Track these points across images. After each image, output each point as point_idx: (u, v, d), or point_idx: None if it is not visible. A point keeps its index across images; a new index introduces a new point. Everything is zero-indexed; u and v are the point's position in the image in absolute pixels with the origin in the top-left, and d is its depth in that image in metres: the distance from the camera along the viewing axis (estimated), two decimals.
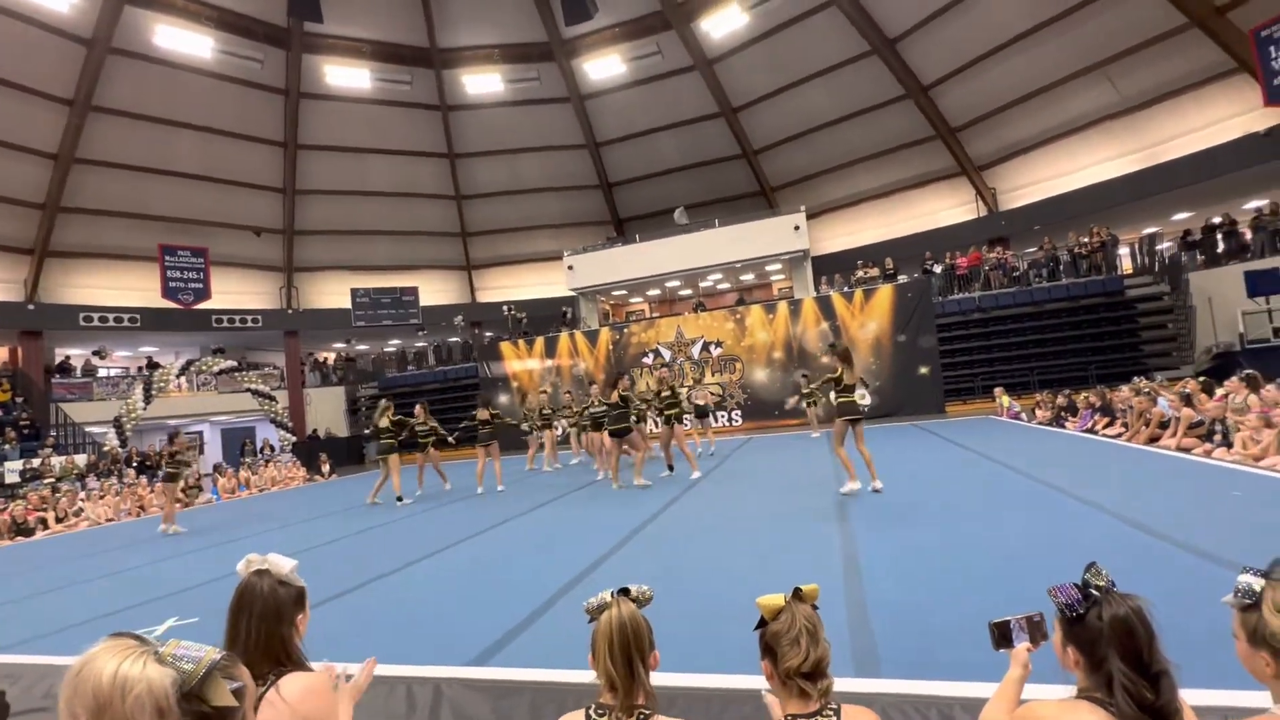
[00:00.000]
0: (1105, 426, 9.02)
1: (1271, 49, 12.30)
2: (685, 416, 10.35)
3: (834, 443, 6.62)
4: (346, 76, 19.31)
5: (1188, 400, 7.67)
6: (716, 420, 15.57)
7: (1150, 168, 14.82)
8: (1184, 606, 2.63)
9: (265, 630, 1.49)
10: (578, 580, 4.28)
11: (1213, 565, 3.29)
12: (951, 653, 2.58)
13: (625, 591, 1.48)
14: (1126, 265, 16.27)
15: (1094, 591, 1.32)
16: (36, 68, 15.44)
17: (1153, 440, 7.78)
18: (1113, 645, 1.26)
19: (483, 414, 9.64)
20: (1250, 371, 7.31)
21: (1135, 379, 9.51)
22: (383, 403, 10.03)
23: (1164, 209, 16.23)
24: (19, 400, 16.46)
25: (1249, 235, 13.91)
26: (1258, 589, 1.23)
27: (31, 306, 16.94)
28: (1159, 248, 15.99)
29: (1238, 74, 13.54)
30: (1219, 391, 7.49)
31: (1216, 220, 14.77)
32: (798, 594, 1.47)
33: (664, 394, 9.19)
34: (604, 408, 8.73)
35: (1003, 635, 1.59)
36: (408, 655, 3.12)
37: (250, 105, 18.91)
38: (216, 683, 0.85)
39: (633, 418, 8.47)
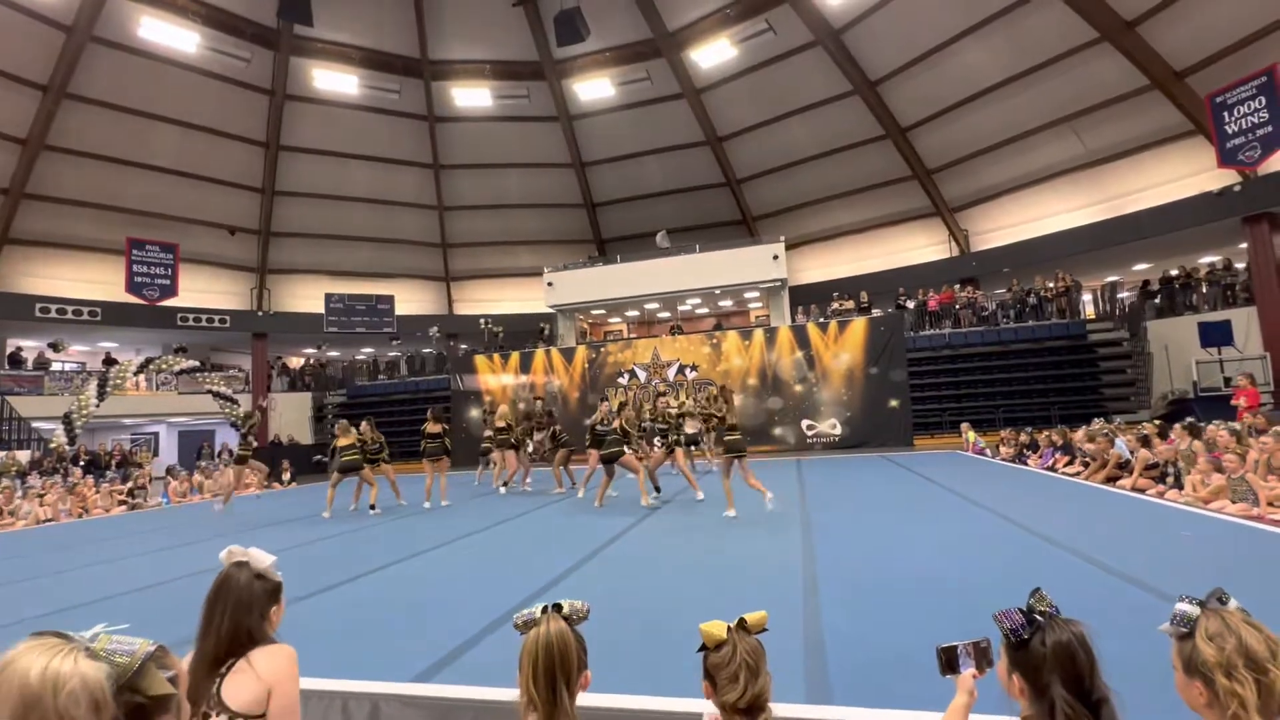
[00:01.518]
0: (1066, 465, 9.21)
1: (1225, 114, 13.00)
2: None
3: (722, 475, 7.45)
4: (334, 81, 19.24)
5: (1146, 442, 7.88)
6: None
7: (1113, 219, 15.45)
8: (1129, 639, 2.65)
9: (237, 620, 1.53)
10: (532, 598, 4.16)
11: (1160, 600, 3.34)
12: (904, 683, 2.55)
13: (558, 607, 1.42)
14: (1089, 311, 16.85)
15: (1038, 617, 1.31)
16: (10, 50, 15.07)
17: (1111, 480, 7.95)
18: (1055, 671, 1.25)
19: (432, 428, 9.53)
20: (1191, 420, 7.60)
21: (1095, 420, 9.76)
22: (342, 422, 9.89)
23: (1125, 259, 16.89)
24: None
25: (1204, 289, 14.55)
26: (1193, 617, 1.22)
27: None
28: (1120, 295, 16.61)
29: (1195, 135, 14.27)
30: (1170, 436, 7.73)
31: (1174, 272, 15.42)
32: (742, 624, 1.42)
33: (658, 418, 9.21)
34: (608, 429, 8.55)
35: (949, 661, 1.56)
36: (347, 670, 2.98)
37: (233, 103, 18.69)
38: (152, 673, 0.85)
39: (625, 445, 8.46)
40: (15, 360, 17.62)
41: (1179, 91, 14.09)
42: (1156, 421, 9.20)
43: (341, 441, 9.34)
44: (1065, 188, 16.80)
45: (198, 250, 19.70)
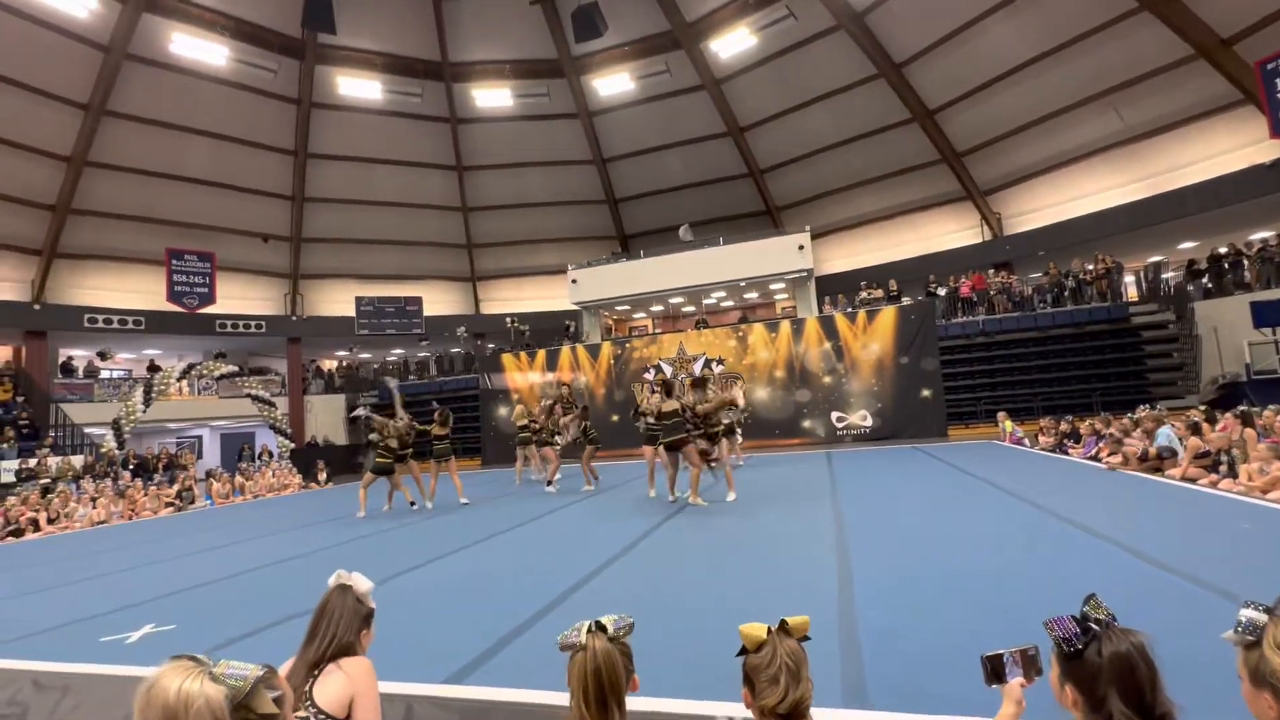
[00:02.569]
0: (1110, 454, 8.87)
1: (1278, 81, 12.32)
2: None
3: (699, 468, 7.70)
4: (358, 88, 19.54)
5: (1195, 429, 7.54)
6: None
7: (1155, 196, 14.80)
8: (1188, 643, 2.52)
9: (339, 636, 1.73)
10: (563, 598, 4.18)
11: (1219, 599, 3.18)
12: (943, 685, 2.47)
13: (601, 627, 1.39)
14: (1132, 293, 16.20)
15: (1093, 625, 1.24)
16: (54, 72, 15.66)
17: (1158, 470, 7.64)
18: (1113, 684, 1.18)
19: (439, 430, 9.69)
20: (1243, 408, 7.24)
21: (1140, 407, 9.38)
22: (443, 410, 10.14)
23: (1169, 238, 16.19)
24: (20, 400, 16.46)
25: (1256, 267, 13.85)
26: (1260, 624, 1.14)
27: (37, 307, 17.02)
28: (1164, 276, 15.93)
29: (1244, 105, 13.57)
30: (1220, 423, 7.38)
31: (1222, 250, 14.72)
32: (783, 627, 1.39)
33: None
34: (658, 419, 8.14)
35: (995, 670, 1.50)
36: (380, 671, 3.02)
37: (262, 113, 19.13)
38: (261, 694, 1.04)
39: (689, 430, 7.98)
40: (67, 369, 18.40)
41: (1226, 60, 13.40)
42: (1205, 407, 8.81)
43: (437, 431, 9.74)
44: (1103, 166, 16.16)
45: (233, 258, 20.27)
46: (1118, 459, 8.39)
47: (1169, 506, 5.92)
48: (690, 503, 7.68)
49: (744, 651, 1.40)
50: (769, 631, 1.37)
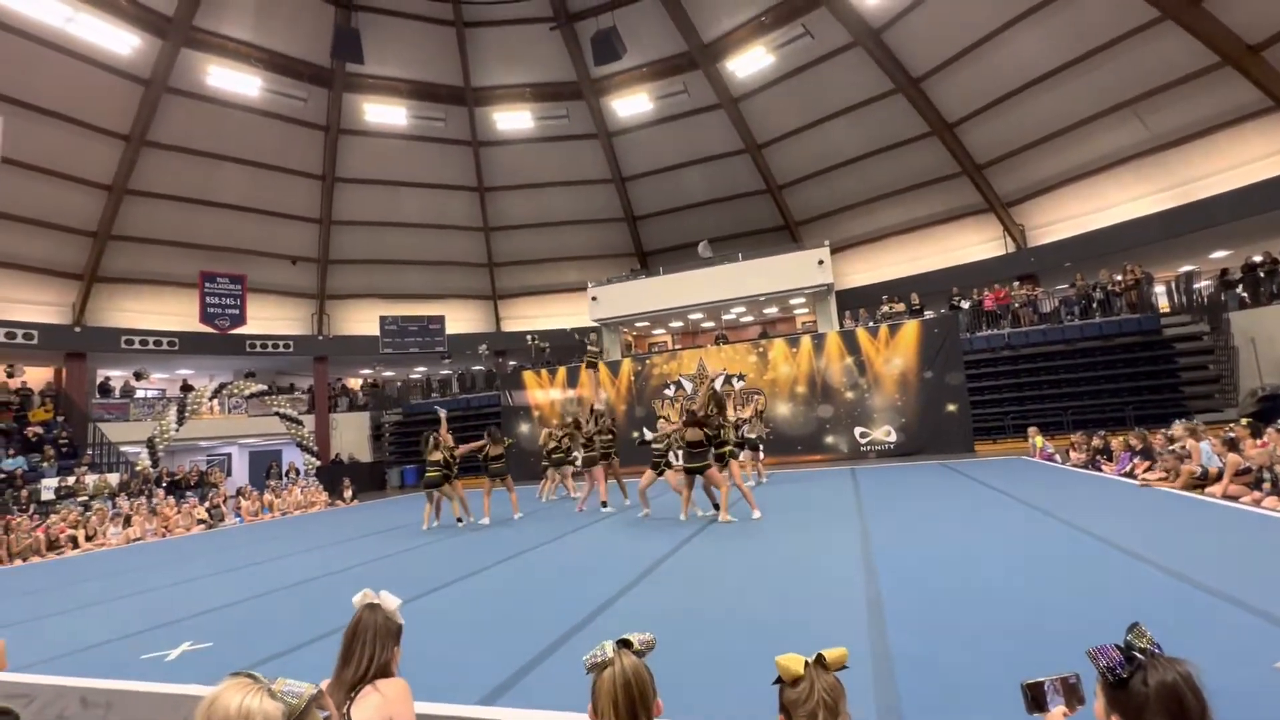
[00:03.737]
0: (1146, 470, 8.63)
1: None
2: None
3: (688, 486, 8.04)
4: (384, 114, 20.11)
5: (1234, 445, 7.32)
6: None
7: (1184, 205, 14.51)
8: (1237, 673, 2.45)
9: (374, 654, 1.77)
10: (591, 618, 4.18)
11: (1269, 625, 3.08)
12: (982, 714, 2.43)
13: (626, 644, 1.40)
14: (1163, 304, 15.84)
15: (1138, 655, 1.23)
16: (97, 105, 16.39)
17: (1195, 487, 7.41)
18: (1160, 715, 1.17)
19: (495, 449, 9.77)
20: None
21: (1176, 421, 9.13)
22: (494, 431, 10.21)
23: (1200, 247, 15.84)
24: (60, 419, 17.02)
25: None
26: None
27: (78, 329, 17.65)
28: (1196, 286, 15.55)
29: (1275, 112, 13.30)
30: (1263, 437, 7.14)
31: (1257, 259, 14.34)
32: (820, 660, 1.36)
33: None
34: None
35: (1036, 698, 1.49)
36: (413, 691, 3.05)
37: (292, 140, 19.76)
38: (314, 713, 1.11)
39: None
40: (104, 389, 18.99)
41: (1254, 66, 13.18)
42: (1245, 421, 8.53)
43: (493, 450, 9.84)
44: (1128, 175, 15.91)
45: (263, 280, 20.83)
46: (1154, 475, 8.17)
47: (1211, 526, 5.74)
48: (720, 520, 7.67)
49: (780, 681, 1.39)
50: (806, 665, 1.35)
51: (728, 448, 8.14)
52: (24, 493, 13.39)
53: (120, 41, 15.55)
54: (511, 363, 22.00)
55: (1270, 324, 13.09)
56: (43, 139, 15.77)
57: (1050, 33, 15.18)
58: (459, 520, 9.70)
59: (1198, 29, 13.38)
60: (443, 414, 10.53)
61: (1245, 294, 14.29)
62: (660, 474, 8.98)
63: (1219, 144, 14.38)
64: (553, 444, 11.91)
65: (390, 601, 1.88)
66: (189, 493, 15.67)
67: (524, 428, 18.30)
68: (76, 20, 14.68)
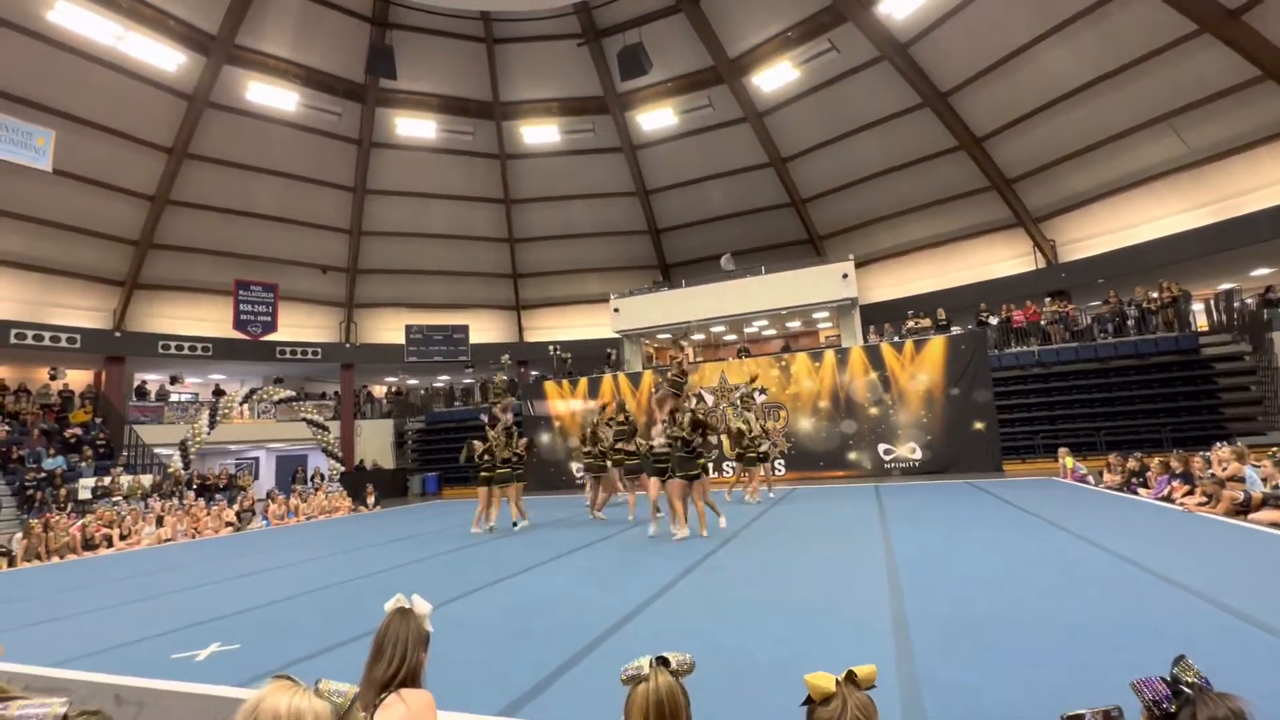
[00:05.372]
0: (1185, 494, 8.34)
1: None
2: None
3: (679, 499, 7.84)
4: (414, 127, 20.58)
5: None
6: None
7: (1224, 221, 14.11)
8: None
9: (405, 658, 1.78)
10: (613, 630, 4.17)
11: None
12: None
13: (664, 661, 1.39)
14: (1201, 322, 15.37)
15: (1185, 688, 1.19)
16: (143, 119, 17.07)
17: (1240, 513, 7.14)
18: None
19: (505, 453, 9.93)
20: None
21: (1217, 444, 8.83)
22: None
23: (1241, 264, 15.36)
24: (98, 421, 17.57)
25: None
26: None
27: (118, 334, 18.26)
28: (1237, 304, 15.07)
29: None
30: None
31: None
32: (851, 678, 1.32)
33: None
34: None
35: None
36: (436, 698, 3.07)
37: (326, 153, 20.32)
38: (357, 712, 1.19)
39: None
40: (140, 392, 19.58)
41: None
42: None
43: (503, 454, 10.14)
44: (1165, 191, 15.54)
45: (294, 288, 21.36)
46: (1194, 500, 7.89)
47: (1257, 555, 5.52)
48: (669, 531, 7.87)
49: (809, 701, 1.37)
50: (837, 683, 1.31)
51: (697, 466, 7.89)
52: (63, 492, 13.82)
53: (167, 59, 16.20)
54: (534, 373, 22.15)
55: None
56: (91, 151, 16.45)
57: (1083, 46, 14.97)
58: (514, 524, 9.94)
59: (1237, 42, 13.08)
60: (509, 407, 10.77)
61: None
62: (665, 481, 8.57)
63: (1261, 159, 13.99)
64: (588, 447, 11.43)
65: (422, 607, 1.89)
66: (218, 495, 16.03)
67: (545, 438, 18.38)
68: (126, 39, 15.34)
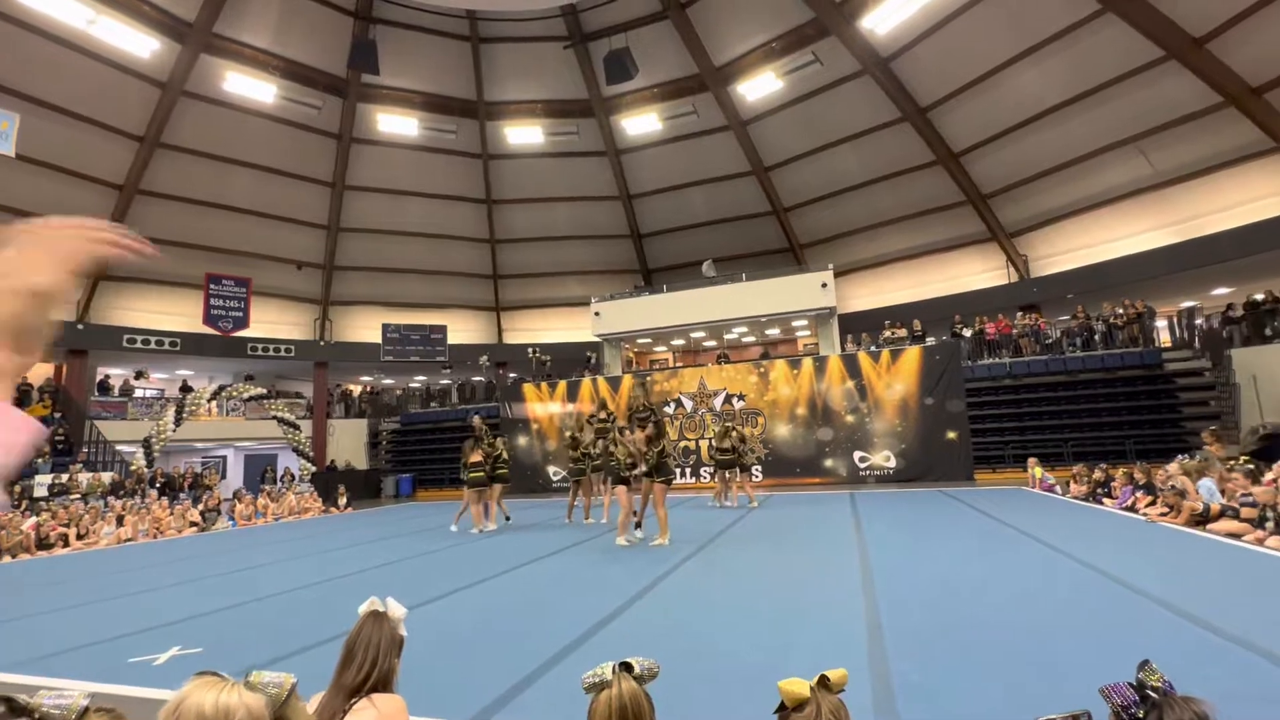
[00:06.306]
0: (1147, 504, 8.59)
1: None
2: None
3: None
4: (396, 124, 20.33)
5: (1255, 476, 7.27)
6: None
7: (1188, 241, 14.62)
8: (1247, 714, 2.42)
9: (376, 662, 1.72)
10: (585, 637, 4.13)
11: (1273, 666, 3.04)
12: None
13: (628, 667, 1.35)
14: (1164, 338, 15.87)
15: (1151, 693, 1.21)
16: (113, 106, 16.58)
17: (1199, 523, 7.37)
18: None
19: (474, 456, 9.92)
20: None
21: (1179, 457, 9.10)
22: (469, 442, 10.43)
23: (1203, 283, 15.92)
24: (58, 416, 16.96)
25: None
26: None
27: (81, 326, 17.66)
28: (1197, 322, 15.61)
29: (1277, 153, 13.46)
30: (1268, 476, 7.11)
31: (1259, 297, 14.42)
32: (824, 682, 1.31)
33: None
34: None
35: None
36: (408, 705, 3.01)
37: (304, 147, 19.95)
38: (295, 702, 1.04)
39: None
40: (103, 387, 18.95)
41: (1257, 108, 13.37)
42: (1245, 459, 8.50)
43: (472, 458, 10.09)
44: (1133, 210, 16.06)
45: (268, 284, 20.90)
46: (1155, 510, 8.12)
47: (1216, 564, 5.70)
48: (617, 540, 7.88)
49: (783, 708, 1.37)
50: (811, 689, 1.30)
51: (634, 472, 8.32)
52: (17, 488, 13.29)
53: (140, 45, 15.78)
54: (512, 375, 21.99)
55: (1272, 362, 13.11)
56: (57, 137, 15.92)
57: (1056, 69, 15.42)
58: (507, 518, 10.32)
59: (1202, 70, 13.59)
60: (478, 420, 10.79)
61: (1247, 331, 14.34)
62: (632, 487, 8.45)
63: (1223, 182, 14.53)
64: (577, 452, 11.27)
65: (396, 610, 1.83)
66: (182, 494, 15.57)
67: (522, 440, 18.25)
68: (98, 23, 14.91)
